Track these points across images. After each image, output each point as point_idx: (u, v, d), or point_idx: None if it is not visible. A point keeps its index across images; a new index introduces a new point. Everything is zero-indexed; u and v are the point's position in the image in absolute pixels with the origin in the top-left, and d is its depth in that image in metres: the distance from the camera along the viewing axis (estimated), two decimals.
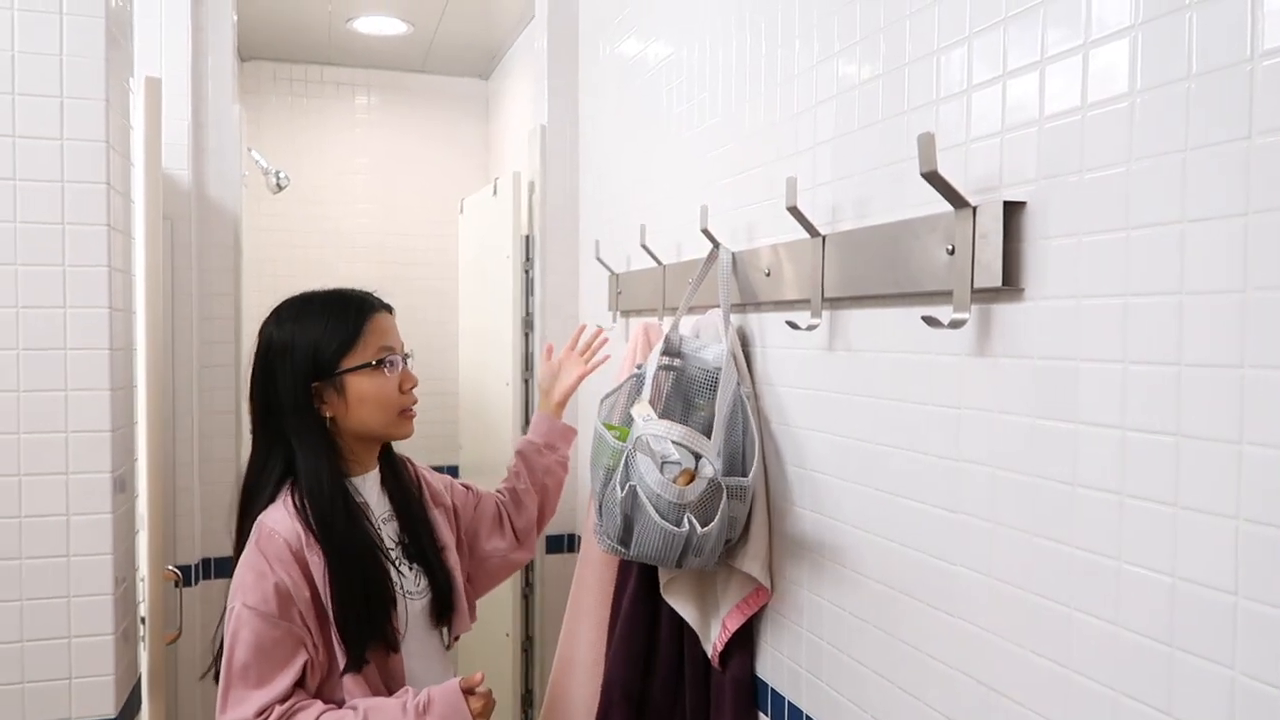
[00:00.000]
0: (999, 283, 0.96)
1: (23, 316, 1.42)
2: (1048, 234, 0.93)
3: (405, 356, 1.51)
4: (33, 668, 1.41)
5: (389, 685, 1.41)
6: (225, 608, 1.37)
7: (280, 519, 1.38)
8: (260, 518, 1.40)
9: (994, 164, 1.00)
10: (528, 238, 2.69)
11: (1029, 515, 0.95)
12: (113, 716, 1.45)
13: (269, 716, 1.29)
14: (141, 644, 1.66)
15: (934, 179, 0.98)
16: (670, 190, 1.94)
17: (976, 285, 0.99)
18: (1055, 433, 0.92)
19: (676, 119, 1.91)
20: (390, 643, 1.40)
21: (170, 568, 2.01)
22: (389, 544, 1.49)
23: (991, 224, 0.97)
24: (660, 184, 2.01)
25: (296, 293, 1.53)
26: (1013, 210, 0.96)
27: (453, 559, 1.58)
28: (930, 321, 1.01)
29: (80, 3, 1.44)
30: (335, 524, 1.39)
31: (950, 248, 1.03)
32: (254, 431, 1.50)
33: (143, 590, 1.68)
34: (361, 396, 1.45)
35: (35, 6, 1.43)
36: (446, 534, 1.60)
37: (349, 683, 1.36)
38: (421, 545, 1.53)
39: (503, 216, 2.76)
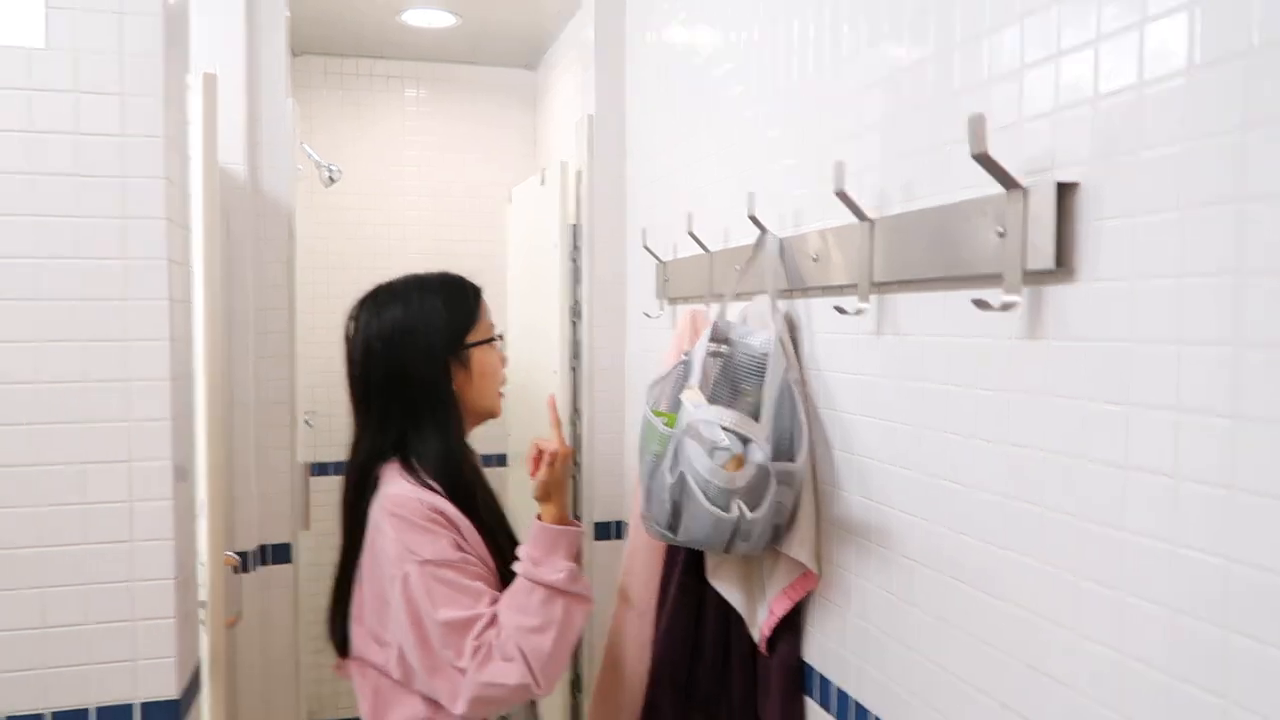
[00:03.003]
0: (1051, 265, 0.94)
1: (86, 308, 1.46)
2: (1101, 215, 0.91)
3: (500, 335, 1.64)
4: (98, 649, 1.46)
5: None
6: (387, 577, 1.40)
7: (406, 489, 1.44)
8: (384, 494, 1.45)
9: (1046, 145, 0.98)
10: (575, 227, 2.70)
11: (1080, 499, 0.93)
12: (175, 698, 1.49)
13: (481, 639, 1.35)
14: (202, 628, 1.70)
15: (985, 160, 0.96)
16: (717, 177, 1.94)
17: (1028, 268, 0.97)
18: (1107, 415, 0.90)
19: (723, 106, 1.91)
20: None
21: (229, 553, 2.06)
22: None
23: (1043, 205, 0.95)
24: (707, 171, 2.00)
25: (386, 280, 1.64)
26: (1065, 191, 0.94)
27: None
28: (981, 304, 1.00)
29: (138, 1, 1.48)
30: (475, 491, 1.52)
31: (1001, 230, 1.01)
32: (360, 412, 1.57)
33: (203, 575, 1.72)
34: (483, 370, 1.57)
35: (95, 6, 1.46)
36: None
37: None
38: (499, 515, 1.62)
39: (550, 206, 2.77)
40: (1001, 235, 1.01)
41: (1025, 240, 0.98)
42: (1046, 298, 0.98)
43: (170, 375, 1.49)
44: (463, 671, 1.36)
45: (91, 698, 1.46)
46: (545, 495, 1.49)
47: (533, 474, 1.53)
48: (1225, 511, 0.78)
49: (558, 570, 1.40)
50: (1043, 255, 0.95)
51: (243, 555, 2.31)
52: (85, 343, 1.46)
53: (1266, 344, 0.74)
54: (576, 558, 1.47)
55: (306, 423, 2.86)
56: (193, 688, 1.60)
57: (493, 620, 1.38)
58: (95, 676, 1.46)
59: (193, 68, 1.84)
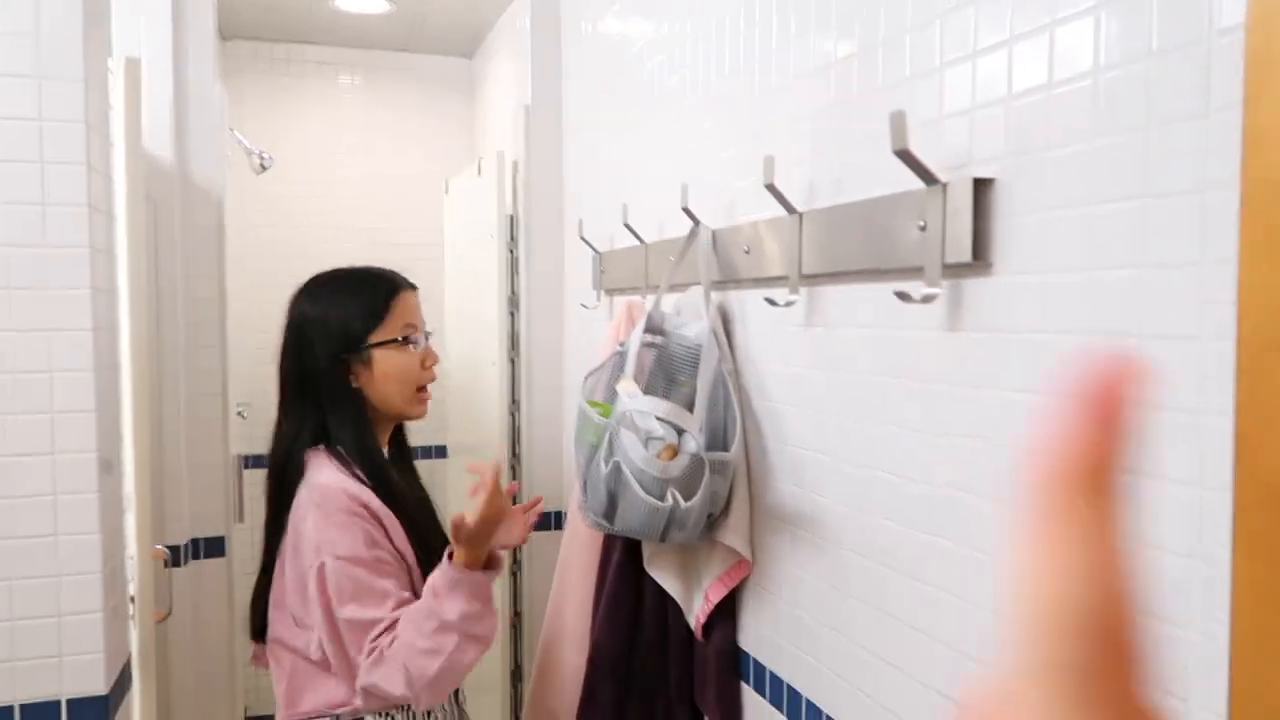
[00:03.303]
0: (969, 258, 0.97)
1: (5, 297, 1.42)
2: (1015, 210, 0.94)
3: (427, 334, 1.60)
4: (23, 645, 1.43)
5: None
6: (306, 564, 1.41)
7: (334, 478, 1.46)
8: (311, 483, 1.46)
9: (964, 141, 1.01)
10: (512, 217, 2.70)
11: (1004, 486, 0.97)
12: (104, 694, 1.47)
13: (379, 641, 1.37)
14: (131, 623, 1.67)
15: (905, 156, 0.99)
16: (652, 169, 1.95)
17: (947, 261, 1.01)
18: (1026, 405, 0.94)
19: (658, 97, 1.92)
20: None
21: (159, 546, 2.02)
22: None
23: (962, 200, 0.99)
24: (642, 163, 2.01)
25: (326, 269, 1.65)
26: (982, 187, 0.98)
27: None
28: (903, 296, 1.03)
29: None
30: (389, 478, 1.50)
31: (922, 224, 1.04)
32: (282, 401, 1.59)
33: (132, 569, 1.69)
34: (386, 371, 1.53)
35: None
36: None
37: None
38: (426, 528, 1.59)
39: (487, 196, 2.76)
40: (923, 229, 1.04)
41: (945, 234, 1.01)
42: (965, 290, 1.01)
43: (94, 366, 1.46)
44: (358, 667, 1.40)
45: (17, 695, 1.43)
46: (460, 538, 1.38)
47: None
48: (1141, 498, 0.81)
49: (454, 610, 1.35)
50: (961, 249, 0.99)
51: (174, 549, 2.27)
52: (6, 333, 1.42)
53: (1169, 335, 0.78)
54: (485, 599, 1.39)
55: (240, 414, 2.81)
56: (122, 683, 1.57)
57: (392, 626, 1.39)
58: (20, 673, 1.43)
59: (116, 51, 1.79)
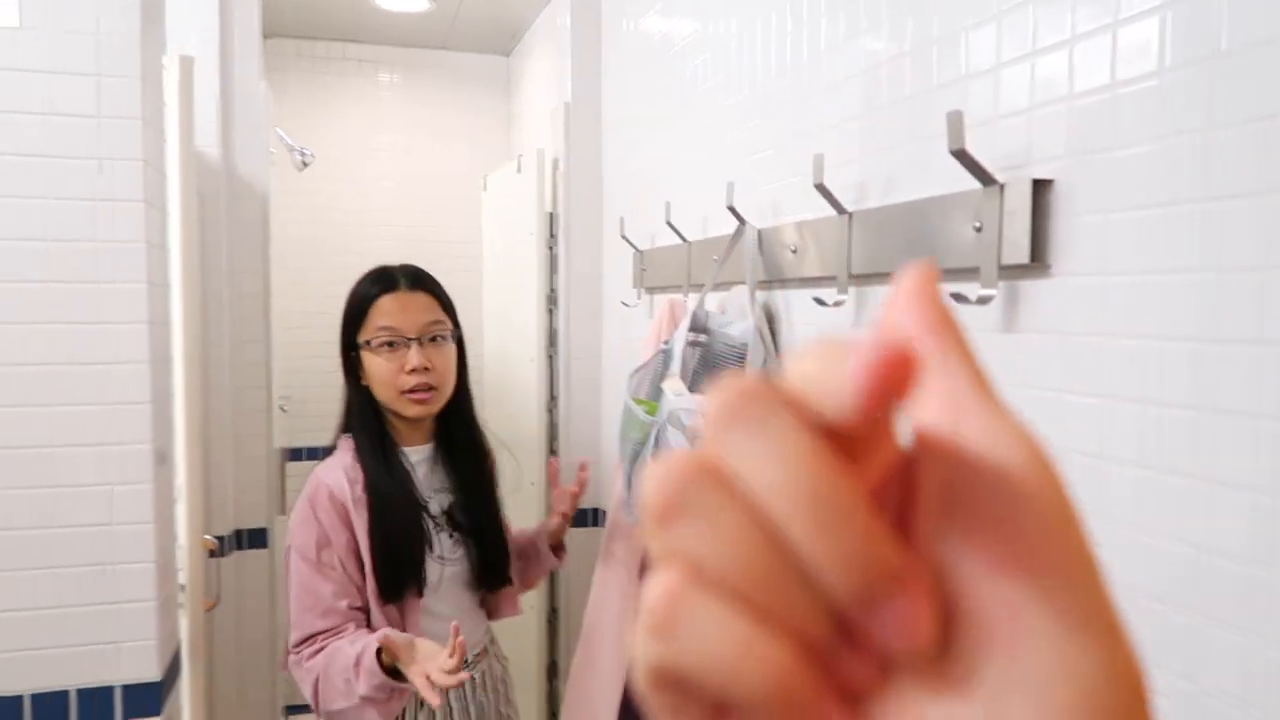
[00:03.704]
0: (1026, 259, 0.97)
1: (63, 291, 1.45)
2: (1075, 211, 0.94)
3: (413, 339, 1.56)
4: (79, 632, 1.46)
5: (404, 625, 1.55)
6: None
7: (331, 468, 1.57)
8: (316, 468, 1.59)
9: (1022, 141, 1.01)
10: (551, 215, 2.71)
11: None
12: (157, 680, 1.50)
13: (304, 648, 1.47)
14: (181, 611, 1.70)
15: (962, 156, 0.99)
16: (695, 168, 1.95)
17: (1004, 262, 1.00)
18: (1081, 407, 0.93)
19: (701, 96, 1.92)
20: (418, 589, 1.56)
21: (208, 537, 2.06)
22: (436, 511, 1.63)
23: (1019, 201, 0.98)
24: (685, 161, 2.02)
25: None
26: (1041, 188, 0.97)
27: (506, 541, 1.72)
28: (957, 297, 1.03)
29: None
30: (379, 474, 1.55)
31: (978, 225, 1.04)
32: None
33: (182, 559, 1.72)
34: (370, 372, 1.58)
35: None
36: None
37: (386, 613, 1.53)
38: (471, 519, 1.64)
39: (526, 193, 2.77)
40: (978, 230, 1.04)
41: (1001, 235, 1.00)
42: (1022, 292, 1.01)
43: (150, 359, 1.49)
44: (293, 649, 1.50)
45: (72, 680, 1.46)
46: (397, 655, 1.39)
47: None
48: (1195, 501, 0.81)
49: (364, 687, 1.38)
50: (1018, 250, 0.98)
51: (219, 540, 2.31)
52: (64, 325, 1.45)
53: (1231, 339, 0.77)
54: (392, 693, 1.40)
55: (281, 408, 2.85)
56: (173, 670, 1.60)
57: (319, 648, 1.46)
58: (76, 659, 1.46)
59: (168, 49, 1.82)
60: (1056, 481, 0.20)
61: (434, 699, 1.31)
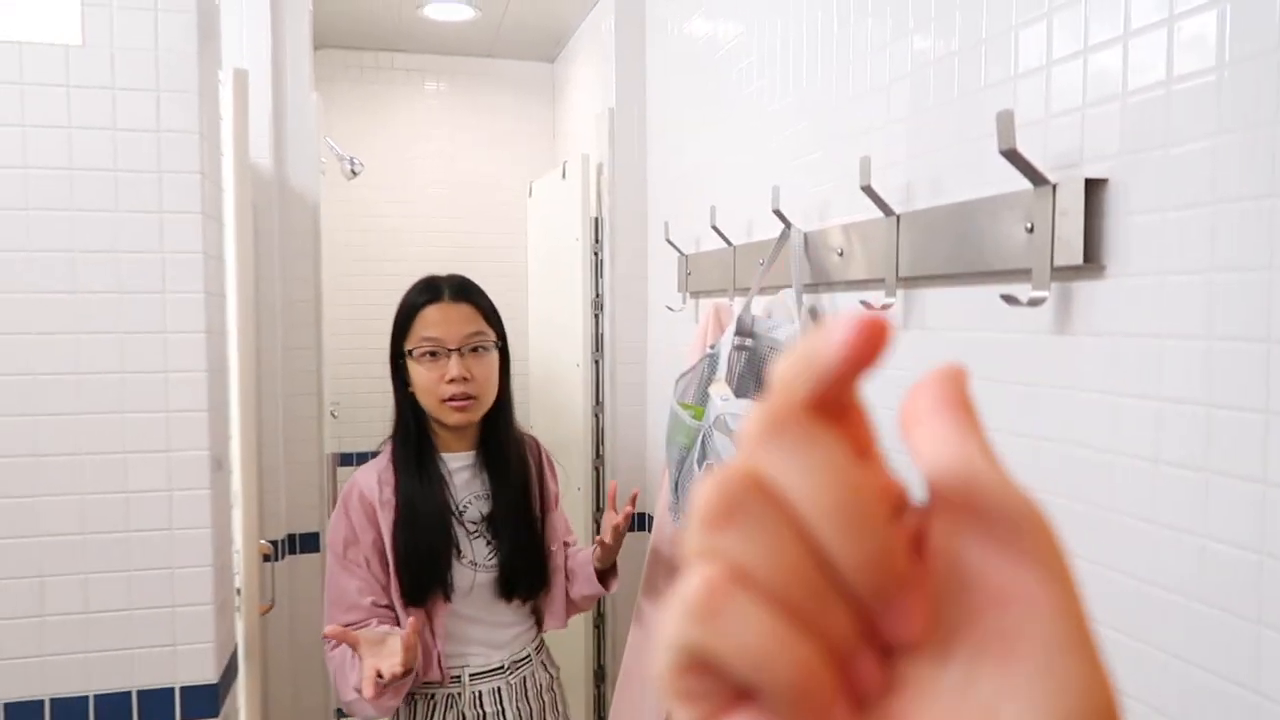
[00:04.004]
0: (1080, 260, 0.95)
1: (125, 301, 1.49)
2: (1130, 210, 0.92)
3: (454, 350, 1.61)
4: (141, 634, 1.50)
5: (432, 628, 1.60)
6: None
7: (367, 470, 1.65)
8: (357, 469, 1.68)
9: (1074, 140, 0.99)
10: (596, 220, 2.72)
11: (1109, 492, 0.95)
12: (214, 682, 1.53)
13: (330, 641, 1.52)
14: (237, 615, 1.74)
15: (1013, 156, 0.98)
16: (740, 171, 1.95)
17: (1056, 263, 0.99)
18: (1137, 410, 0.91)
19: (746, 99, 1.92)
20: (444, 594, 1.60)
21: (263, 542, 2.09)
22: (474, 517, 1.66)
23: (1072, 201, 0.97)
24: (730, 165, 2.01)
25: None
26: (1094, 187, 0.95)
27: (551, 553, 1.73)
28: (1009, 300, 1.01)
29: None
30: (409, 479, 1.61)
31: (1029, 225, 1.02)
32: None
33: (238, 563, 1.76)
34: (414, 380, 1.64)
35: (131, 4, 1.49)
36: (556, 529, 1.77)
37: (403, 613, 1.58)
38: (509, 527, 1.65)
39: (571, 199, 2.79)
40: (1030, 231, 1.02)
41: (1054, 236, 0.99)
42: (1075, 293, 0.99)
43: (207, 367, 1.52)
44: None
45: (134, 681, 1.50)
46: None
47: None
48: (1260, 507, 0.79)
49: (343, 690, 1.50)
50: (1071, 251, 0.97)
51: (273, 544, 2.35)
52: (124, 335, 1.49)
53: None
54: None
55: (332, 414, 2.90)
56: (229, 673, 1.63)
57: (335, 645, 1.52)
58: (137, 660, 1.50)
59: (223, 63, 1.86)
60: (1051, 525, 0.23)
61: (368, 689, 1.36)
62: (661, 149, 2.53)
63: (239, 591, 1.73)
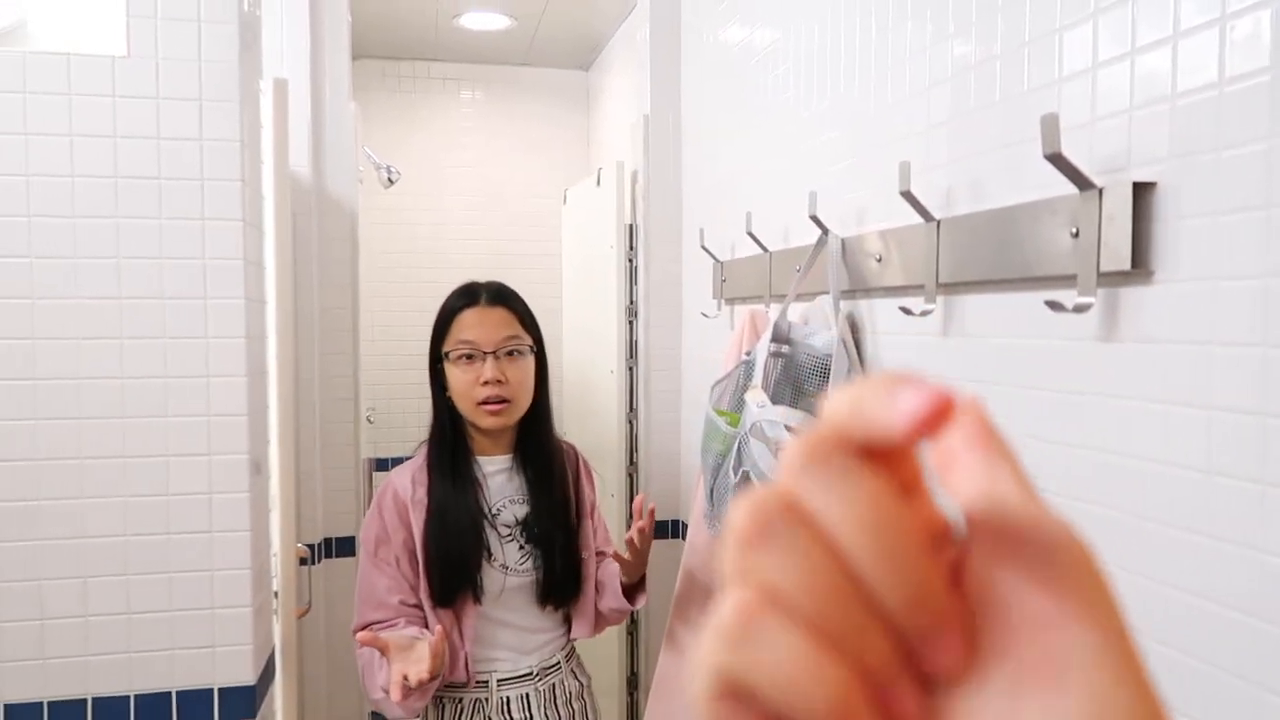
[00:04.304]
0: (1127, 266, 0.94)
1: (168, 307, 1.51)
2: (1180, 214, 0.90)
3: (489, 353, 1.63)
4: (181, 636, 1.52)
5: (461, 630, 1.61)
6: None
7: (402, 471, 1.68)
8: (394, 469, 1.70)
9: (1121, 144, 0.98)
10: (631, 227, 2.72)
11: (1159, 504, 0.93)
12: (251, 684, 1.54)
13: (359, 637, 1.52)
14: (275, 617, 1.75)
15: (1058, 160, 0.96)
16: (776, 177, 1.94)
17: (1103, 269, 0.97)
18: (1187, 419, 0.89)
19: (782, 105, 1.91)
20: (475, 597, 1.61)
21: (300, 545, 2.11)
22: (508, 520, 1.67)
23: (1119, 205, 0.95)
24: (766, 171, 2.00)
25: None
26: (1142, 191, 0.94)
27: (583, 560, 1.72)
28: (1054, 306, 0.99)
29: (215, 10, 1.53)
30: (442, 482, 1.63)
31: (1074, 230, 1.00)
32: None
33: (275, 566, 1.77)
34: (450, 382, 1.66)
35: (175, 15, 1.52)
36: (589, 537, 1.76)
37: (431, 614, 1.60)
38: (544, 532, 1.66)
39: (606, 206, 2.79)
40: (1075, 236, 1.01)
41: (1100, 240, 0.97)
42: (1122, 299, 0.97)
43: (247, 372, 1.54)
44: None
45: (174, 682, 1.51)
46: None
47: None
48: None
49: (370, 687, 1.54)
50: (1118, 256, 0.95)
51: (310, 548, 2.37)
52: (168, 340, 1.51)
53: None
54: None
55: (368, 419, 2.92)
56: (267, 675, 1.65)
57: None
58: (177, 661, 1.52)
59: (263, 73, 1.89)
60: (1089, 551, 0.23)
61: (395, 694, 1.39)
62: (696, 156, 2.53)
63: (276, 594, 1.75)
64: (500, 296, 1.70)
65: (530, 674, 1.67)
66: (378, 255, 3.83)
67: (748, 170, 2.12)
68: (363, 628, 1.55)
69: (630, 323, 2.74)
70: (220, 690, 1.53)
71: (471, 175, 4.04)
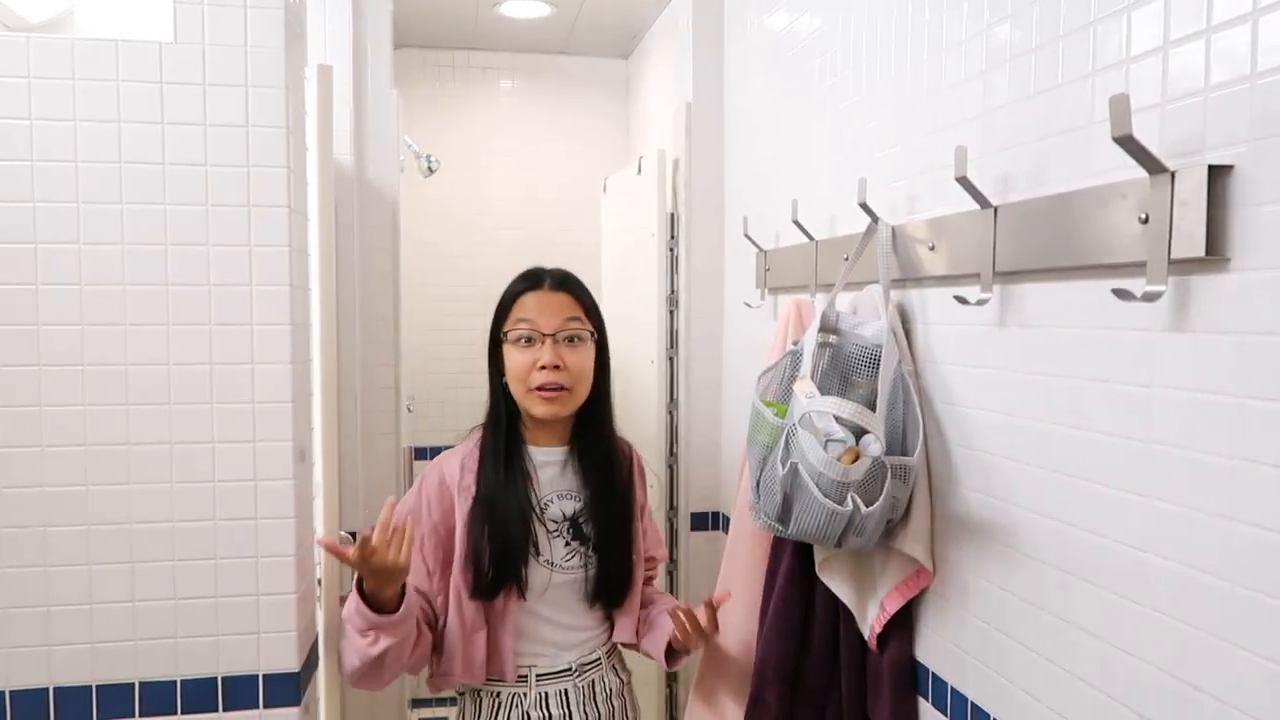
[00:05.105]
0: (1201, 252, 0.90)
1: (214, 294, 1.52)
2: (1260, 200, 0.86)
3: (549, 335, 1.57)
4: (226, 621, 1.52)
5: (500, 624, 1.57)
6: None
7: (452, 455, 1.65)
8: (444, 452, 1.67)
9: (1195, 126, 0.94)
10: (672, 215, 2.70)
11: (1234, 500, 0.89)
12: (295, 670, 1.55)
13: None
14: (318, 604, 1.76)
15: (1128, 143, 0.92)
16: (822, 165, 1.91)
17: (1174, 255, 0.93)
18: (1265, 413, 0.85)
19: (828, 91, 1.87)
20: (519, 592, 1.57)
21: (343, 533, 2.12)
22: (555, 515, 1.62)
23: (1193, 190, 0.91)
24: (812, 159, 1.97)
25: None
26: (1218, 174, 0.90)
27: (632, 561, 1.67)
28: (1122, 294, 0.96)
29: None
30: (491, 471, 1.59)
31: (1143, 216, 0.97)
32: None
33: (318, 553, 1.78)
34: (506, 365, 1.61)
35: (222, 1, 1.51)
36: (639, 540, 1.71)
37: (470, 607, 1.56)
38: (598, 531, 1.62)
39: (647, 195, 2.77)
40: (1144, 221, 0.97)
41: (1171, 226, 0.93)
42: (1195, 287, 0.93)
43: (291, 359, 1.54)
44: None
45: (219, 667, 1.52)
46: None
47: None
48: None
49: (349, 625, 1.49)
50: (1192, 242, 0.91)
51: (352, 535, 2.37)
52: (213, 326, 1.52)
53: None
54: (360, 626, 1.47)
55: (408, 408, 2.93)
56: (311, 661, 1.65)
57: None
58: (222, 647, 1.53)
59: (307, 59, 1.88)
60: None
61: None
62: (739, 143, 2.50)
63: (320, 582, 1.75)
64: (564, 282, 1.65)
65: (569, 670, 1.63)
66: (418, 244, 3.84)
67: (792, 157, 2.08)
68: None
69: (671, 312, 2.72)
70: (265, 677, 1.53)
71: (511, 164, 4.04)
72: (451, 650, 1.58)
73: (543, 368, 1.56)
